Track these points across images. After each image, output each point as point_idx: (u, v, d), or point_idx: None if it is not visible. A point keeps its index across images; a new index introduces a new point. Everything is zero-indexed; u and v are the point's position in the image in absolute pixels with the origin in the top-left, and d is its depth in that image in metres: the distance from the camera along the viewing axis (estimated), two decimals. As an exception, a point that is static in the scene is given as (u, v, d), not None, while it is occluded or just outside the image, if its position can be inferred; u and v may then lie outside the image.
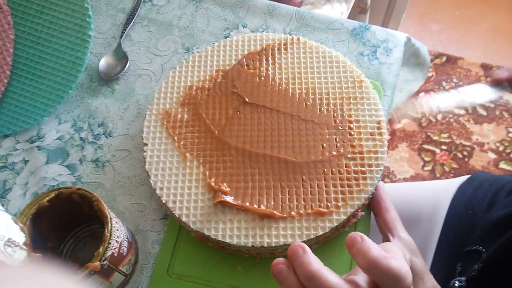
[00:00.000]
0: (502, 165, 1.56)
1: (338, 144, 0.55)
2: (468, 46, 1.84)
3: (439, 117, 1.66)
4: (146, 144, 0.57)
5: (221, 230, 0.51)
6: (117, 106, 0.67)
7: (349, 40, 0.70)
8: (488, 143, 1.60)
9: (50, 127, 0.66)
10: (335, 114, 0.57)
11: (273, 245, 0.49)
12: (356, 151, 0.54)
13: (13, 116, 0.65)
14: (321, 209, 0.51)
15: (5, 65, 0.65)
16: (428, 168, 1.57)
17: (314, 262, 0.36)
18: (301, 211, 0.51)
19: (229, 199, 0.52)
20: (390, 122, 1.65)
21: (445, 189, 0.72)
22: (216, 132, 0.57)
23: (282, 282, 0.37)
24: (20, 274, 0.22)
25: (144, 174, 0.62)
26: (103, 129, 0.65)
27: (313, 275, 0.36)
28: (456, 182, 0.73)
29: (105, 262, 0.46)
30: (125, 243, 0.50)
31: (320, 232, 0.50)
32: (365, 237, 0.37)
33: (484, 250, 0.58)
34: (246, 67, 0.62)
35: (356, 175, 0.53)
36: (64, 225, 0.54)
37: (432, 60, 1.79)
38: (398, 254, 0.40)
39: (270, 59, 0.62)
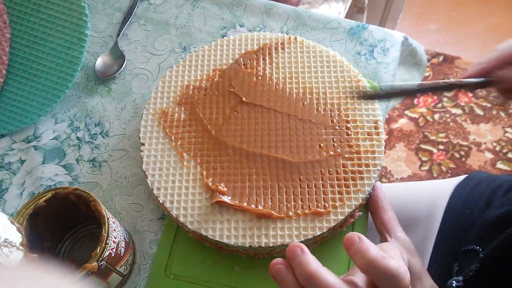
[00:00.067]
0: (499, 165, 1.56)
1: (335, 144, 0.55)
2: (465, 45, 1.84)
3: (436, 116, 1.66)
4: (143, 144, 0.57)
5: (219, 230, 0.50)
6: (113, 105, 0.67)
7: (346, 39, 0.70)
8: (485, 143, 1.60)
9: (47, 127, 0.65)
10: (332, 114, 0.57)
11: (271, 245, 0.49)
12: (353, 151, 0.54)
13: (9, 116, 0.65)
14: (319, 209, 0.51)
15: (1, 64, 0.65)
16: (426, 168, 1.57)
17: (312, 262, 0.36)
18: (298, 211, 0.51)
19: (226, 199, 0.52)
20: (387, 121, 1.66)
21: (442, 189, 0.72)
22: (213, 131, 0.57)
23: (280, 282, 0.37)
24: (17, 275, 0.22)
25: (141, 174, 0.61)
26: (100, 129, 0.65)
27: (311, 275, 0.36)
28: (453, 182, 0.73)
29: (102, 263, 0.46)
30: (123, 244, 0.50)
31: (318, 232, 0.50)
32: (363, 237, 0.37)
33: (481, 249, 0.58)
34: (243, 67, 0.62)
35: (353, 175, 0.53)
36: (61, 225, 0.54)
37: (429, 60, 1.79)
38: (396, 254, 0.40)
39: (267, 58, 0.62)
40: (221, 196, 0.52)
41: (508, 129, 1.62)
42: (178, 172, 0.55)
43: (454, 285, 0.56)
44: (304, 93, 0.59)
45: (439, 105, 1.69)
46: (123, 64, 0.69)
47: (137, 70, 0.69)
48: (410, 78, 0.82)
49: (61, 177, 0.62)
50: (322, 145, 0.55)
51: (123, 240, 0.51)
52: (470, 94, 1.71)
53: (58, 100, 0.65)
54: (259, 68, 0.62)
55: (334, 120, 0.57)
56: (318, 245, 0.54)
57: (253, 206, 0.51)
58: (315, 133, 0.56)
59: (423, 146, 1.61)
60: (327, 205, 0.51)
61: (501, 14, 1.92)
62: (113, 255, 0.48)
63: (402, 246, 0.48)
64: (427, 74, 1.76)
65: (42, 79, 0.65)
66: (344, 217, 0.50)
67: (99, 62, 0.69)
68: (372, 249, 0.36)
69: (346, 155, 0.54)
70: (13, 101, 0.65)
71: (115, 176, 0.62)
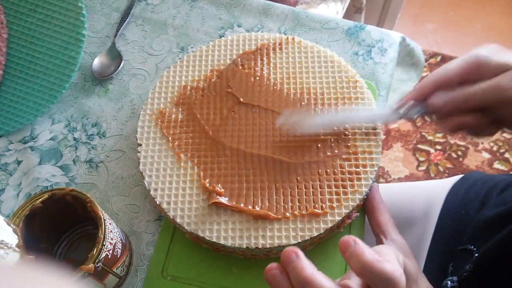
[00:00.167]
0: (496, 165, 1.56)
1: (333, 145, 0.55)
2: (462, 45, 1.85)
3: (434, 117, 1.66)
4: (140, 145, 0.57)
5: (216, 232, 0.50)
6: (111, 106, 0.66)
7: (344, 39, 0.70)
8: (482, 143, 1.60)
9: (44, 127, 0.65)
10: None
11: (268, 246, 0.49)
12: (351, 151, 0.54)
13: (5, 116, 0.64)
14: (316, 210, 0.51)
15: (-3, 64, 0.65)
16: (423, 168, 1.57)
17: (307, 267, 0.36)
18: (295, 212, 0.51)
19: (223, 200, 0.52)
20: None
21: (438, 189, 0.72)
22: (210, 132, 0.57)
23: (276, 287, 0.37)
24: (14, 275, 0.22)
25: (138, 174, 0.61)
26: (97, 129, 0.65)
27: (306, 280, 0.35)
28: (449, 182, 0.73)
29: (99, 264, 0.46)
30: (119, 245, 0.50)
31: (315, 233, 0.49)
32: (358, 240, 0.37)
33: (475, 249, 0.58)
34: (240, 67, 0.62)
35: (350, 176, 0.53)
36: (57, 226, 0.54)
37: (427, 60, 1.79)
38: (392, 257, 0.40)
39: (265, 58, 0.62)
40: (218, 197, 0.52)
41: (505, 129, 1.62)
42: (175, 173, 0.55)
43: (449, 285, 0.56)
44: (302, 94, 0.59)
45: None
46: (120, 65, 0.68)
47: (135, 71, 0.69)
48: (408, 79, 0.82)
49: (57, 178, 0.62)
50: (319, 145, 0.55)
51: (120, 241, 0.51)
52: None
53: (55, 100, 0.64)
54: (256, 68, 0.61)
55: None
56: (315, 246, 0.54)
57: (250, 207, 0.51)
58: (313, 134, 0.56)
59: (420, 146, 1.62)
60: (324, 206, 0.51)
61: (498, 15, 1.92)
62: (109, 257, 0.47)
63: (398, 248, 0.48)
64: (424, 74, 1.76)
65: (39, 80, 0.65)
66: (341, 218, 0.50)
67: (96, 62, 0.69)
68: (367, 252, 0.36)
69: (343, 156, 0.54)
70: (10, 102, 0.65)
71: (112, 177, 0.61)
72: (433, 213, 0.69)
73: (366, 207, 0.54)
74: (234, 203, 0.52)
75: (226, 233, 0.50)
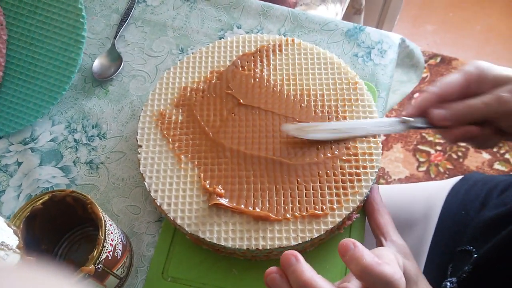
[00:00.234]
0: (497, 165, 1.56)
1: (333, 146, 0.55)
2: (462, 47, 1.85)
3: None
4: (141, 146, 0.57)
5: (216, 233, 0.50)
6: (111, 107, 0.66)
7: (343, 41, 0.70)
8: (482, 144, 1.60)
9: (44, 129, 0.65)
10: (330, 116, 0.57)
11: (268, 247, 0.49)
12: (351, 153, 0.54)
13: (6, 118, 0.64)
14: (316, 211, 0.51)
15: (-2, 66, 0.65)
16: (423, 168, 1.57)
17: (307, 271, 0.36)
18: (296, 213, 0.51)
19: (224, 201, 0.52)
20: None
21: (438, 190, 0.72)
22: (210, 134, 0.57)
23: None
24: (14, 275, 0.22)
25: (138, 176, 0.61)
26: (97, 131, 0.65)
27: (306, 284, 0.36)
28: (449, 183, 0.73)
29: (99, 266, 0.46)
30: (120, 246, 0.50)
31: (315, 235, 0.50)
32: (358, 243, 0.37)
33: (474, 250, 0.58)
34: (240, 69, 0.62)
35: (351, 177, 0.53)
36: (57, 227, 0.54)
37: (426, 61, 1.79)
38: (391, 259, 0.40)
39: (264, 60, 0.62)
40: (218, 198, 0.52)
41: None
42: (176, 174, 0.55)
43: (448, 286, 0.56)
44: (302, 95, 0.59)
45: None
46: (120, 66, 0.69)
47: (135, 72, 0.69)
48: (407, 80, 0.82)
49: (58, 179, 0.62)
50: (319, 147, 0.55)
51: (120, 242, 0.51)
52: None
53: (55, 102, 0.64)
54: (256, 70, 0.62)
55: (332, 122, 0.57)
56: (315, 247, 0.54)
57: (250, 208, 0.51)
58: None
59: (420, 147, 1.62)
60: (324, 207, 0.51)
61: (498, 16, 1.92)
62: (110, 258, 0.48)
63: (398, 250, 0.48)
64: (424, 75, 1.77)
65: (39, 81, 0.65)
66: (341, 219, 0.50)
67: (96, 63, 0.69)
68: (367, 255, 0.36)
69: (343, 157, 0.54)
70: (10, 103, 0.65)
71: (112, 178, 0.61)
72: (433, 214, 0.69)
73: (366, 209, 0.54)
74: (234, 204, 0.52)
75: (227, 235, 0.50)
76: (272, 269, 0.38)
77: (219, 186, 0.53)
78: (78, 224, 0.56)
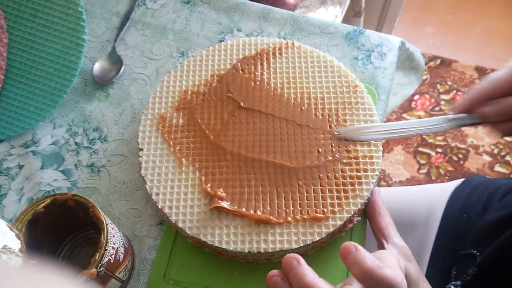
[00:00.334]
0: (497, 167, 1.57)
1: (334, 149, 0.55)
2: (462, 49, 1.85)
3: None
4: (142, 149, 0.57)
5: (218, 236, 0.50)
6: (112, 110, 0.67)
7: (343, 44, 0.70)
8: (483, 146, 1.61)
9: (45, 132, 0.65)
10: (330, 119, 0.57)
11: (270, 251, 0.49)
12: (352, 156, 0.54)
13: (7, 121, 0.65)
14: (317, 214, 0.51)
15: (-1, 69, 0.65)
16: (424, 171, 1.57)
17: (308, 274, 0.36)
18: (297, 216, 0.51)
19: (225, 204, 0.52)
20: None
21: (440, 193, 0.72)
22: (211, 137, 0.57)
23: None
24: (14, 275, 0.22)
25: (139, 179, 0.61)
26: (98, 134, 0.65)
27: (307, 287, 0.36)
28: (450, 186, 0.73)
29: (101, 269, 0.46)
30: (122, 249, 0.50)
31: (316, 238, 0.50)
32: (359, 246, 0.37)
33: (478, 253, 0.58)
34: (241, 72, 0.62)
35: (351, 180, 0.53)
36: (59, 231, 0.54)
37: (426, 63, 1.79)
38: (393, 262, 0.40)
39: (265, 63, 0.62)
40: (220, 201, 0.52)
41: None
42: (177, 177, 0.55)
43: (452, 289, 0.56)
44: (302, 98, 0.59)
45: (437, 108, 1.70)
46: (121, 69, 0.69)
47: (135, 75, 0.69)
48: (408, 83, 0.82)
49: (59, 183, 0.62)
50: (320, 150, 0.55)
51: (122, 246, 0.51)
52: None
53: (56, 105, 0.65)
54: (256, 73, 0.62)
55: (332, 125, 0.57)
56: (316, 250, 0.54)
57: (252, 211, 0.51)
58: (313, 138, 0.56)
59: (421, 149, 1.62)
60: (325, 211, 0.51)
61: (497, 18, 1.92)
62: (112, 261, 0.48)
63: (399, 253, 0.48)
64: (424, 77, 1.77)
65: (40, 84, 0.65)
66: (342, 222, 0.51)
67: (97, 67, 0.69)
68: (368, 258, 0.36)
69: (344, 160, 0.54)
70: (11, 106, 0.65)
71: (113, 182, 0.61)
72: (434, 217, 0.69)
73: (368, 211, 0.54)
74: (235, 207, 0.52)
75: (228, 238, 0.50)
76: (274, 272, 0.38)
77: (220, 189, 0.53)
78: (80, 228, 0.56)
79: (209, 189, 0.53)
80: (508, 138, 1.61)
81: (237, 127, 0.58)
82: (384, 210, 0.53)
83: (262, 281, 0.53)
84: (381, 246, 0.50)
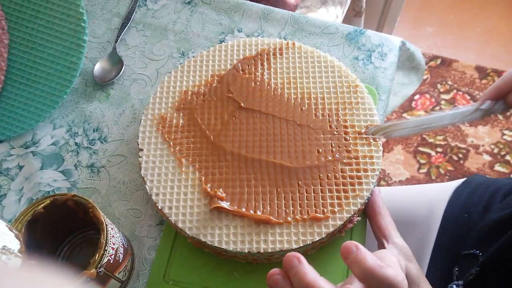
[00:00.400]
0: (497, 167, 1.56)
1: (334, 149, 0.55)
2: (462, 48, 1.85)
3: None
4: (142, 150, 0.57)
5: (217, 236, 0.50)
6: (112, 111, 0.67)
7: (344, 44, 0.70)
8: (483, 145, 1.61)
9: (45, 132, 0.65)
10: (331, 119, 0.57)
11: (270, 251, 0.49)
12: (352, 156, 0.54)
13: (7, 121, 0.65)
14: (317, 214, 0.51)
15: (-1, 70, 0.65)
16: (424, 170, 1.57)
17: (309, 273, 0.36)
18: (297, 216, 0.51)
19: (225, 204, 0.52)
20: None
21: (440, 193, 0.72)
22: (211, 137, 0.57)
23: None
24: (14, 275, 0.22)
25: (139, 179, 0.61)
26: (98, 134, 0.65)
27: (309, 286, 0.36)
28: (451, 186, 0.73)
29: (101, 269, 0.46)
30: (121, 250, 0.50)
31: (316, 238, 0.50)
32: (360, 246, 0.37)
33: (480, 253, 0.58)
34: (241, 72, 0.62)
35: (351, 180, 0.53)
36: (59, 231, 0.54)
37: (427, 63, 1.79)
38: (394, 262, 0.40)
39: (265, 64, 0.62)
40: (219, 201, 0.52)
41: (505, 132, 1.63)
42: (177, 177, 0.55)
43: (454, 289, 0.56)
44: (303, 99, 0.59)
45: (437, 108, 1.69)
46: (121, 70, 0.69)
47: (136, 76, 0.69)
48: (408, 83, 0.82)
49: (59, 183, 0.62)
50: (320, 150, 0.55)
51: (122, 246, 0.51)
52: (467, 97, 1.71)
53: (56, 105, 0.65)
54: (257, 73, 0.62)
55: (332, 125, 0.57)
56: (316, 250, 0.54)
57: (251, 211, 0.51)
58: (314, 139, 0.56)
59: (421, 148, 1.62)
60: (325, 211, 0.51)
61: (497, 18, 1.92)
62: (111, 262, 0.48)
63: (400, 252, 0.48)
64: (425, 77, 1.77)
65: (41, 85, 0.65)
66: (342, 222, 0.51)
67: (98, 67, 0.69)
68: (369, 258, 0.36)
69: (344, 160, 0.54)
70: (11, 107, 0.65)
71: (113, 182, 0.62)
72: (435, 217, 0.69)
73: (368, 211, 0.54)
74: (235, 207, 0.52)
75: (228, 238, 0.50)
76: (275, 270, 0.38)
77: (220, 190, 0.53)
78: (80, 228, 0.56)
79: (209, 189, 0.53)
80: (508, 138, 1.61)
81: (237, 127, 0.58)
82: (385, 210, 0.53)
83: (262, 281, 0.53)
84: (381, 246, 0.50)
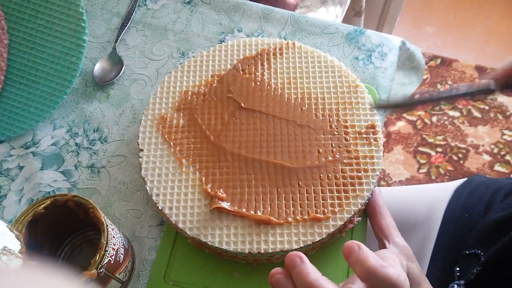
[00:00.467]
0: (497, 167, 1.56)
1: (334, 149, 0.55)
2: (462, 48, 1.85)
3: (434, 119, 1.66)
4: (142, 150, 0.57)
5: (218, 237, 0.50)
6: (112, 111, 0.67)
7: (344, 44, 0.70)
8: (483, 145, 1.61)
9: (45, 133, 0.65)
10: (331, 119, 0.57)
11: (270, 251, 0.49)
12: (352, 156, 0.54)
13: (7, 122, 0.65)
14: (318, 215, 0.51)
15: (-1, 70, 0.65)
16: (424, 170, 1.57)
17: (311, 272, 0.36)
18: (297, 217, 0.51)
19: (225, 205, 0.52)
20: (385, 124, 1.66)
21: (441, 193, 0.72)
22: (212, 137, 0.57)
23: None
24: (14, 275, 0.22)
25: (140, 180, 0.61)
26: (98, 135, 0.65)
27: (311, 285, 0.36)
28: (451, 186, 0.73)
29: (101, 270, 0.46)
30: (122, 250, 0.50)
31: (317, 238, 0.50)
32: (362, 245, 0.37)
33: (482, 253, 0.58)
34: (241, 72, 0.62)
35: (352, 181, 0.53)
36: (59, 232, 0.54)
37: (426, 63, 1.79)
38: (395, 261, 0.40)
39: (265, 64, 0.62)
40: (220, 202, 0.52)
41: (505, 131, 1.63)
42: (177, 178, 0.55)
43: (455, 288, 0.56)
44: (303, 99, 0.59)
45: (437, 107, 1.69)
46: (121, 70, 0.69)
47: (136, 76, 0.69)
48: (408, 82, 0.82)
49: (59, 183, 0.62)
50: (320, 150, 0.55)
51: (122, 246, 0.51)
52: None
53: (56, 106, 0.65)
54: (257, 73, 0.62)
55: (333, 125, 0.57)
56: (317, 250, 0.54)
57: (252, 212, 0.51)
58: (314, 139, 0.56)
59: (421, 148, 1.62)
60: (326, 211, 0.51)
61: (497, 18, 1.92)
62: (112, 262, 0.48)
63: (401, 252, 0.48)
64: (424, 77, 1.77)
65: (41, 85, 0.65)
66: (343, 223, 0.51)
67: (98, 67, 0.69)
68: (371, 257, 0.36)
69: (344, 161, 0.54)
70: (11, 107, 0.65)
71: (113, 182, 0.61)
72: (435, 217, 0.69)
73: (368, 211, 0.54)
74: (236, 208, 0.52)
75: (229, 238, 0.50)
76: (277, 269, 0.38)
77: (221, 190, 0.53)
78: (80, 228, 0.56)
79: (209, 190, 0.53)
80: (508, 138, 1.61)
81: (237, 127, 0.58)
82: (385, 210, 0.53)
83: (263, 281, 0.53)
84: (382, 246, 0.50)
